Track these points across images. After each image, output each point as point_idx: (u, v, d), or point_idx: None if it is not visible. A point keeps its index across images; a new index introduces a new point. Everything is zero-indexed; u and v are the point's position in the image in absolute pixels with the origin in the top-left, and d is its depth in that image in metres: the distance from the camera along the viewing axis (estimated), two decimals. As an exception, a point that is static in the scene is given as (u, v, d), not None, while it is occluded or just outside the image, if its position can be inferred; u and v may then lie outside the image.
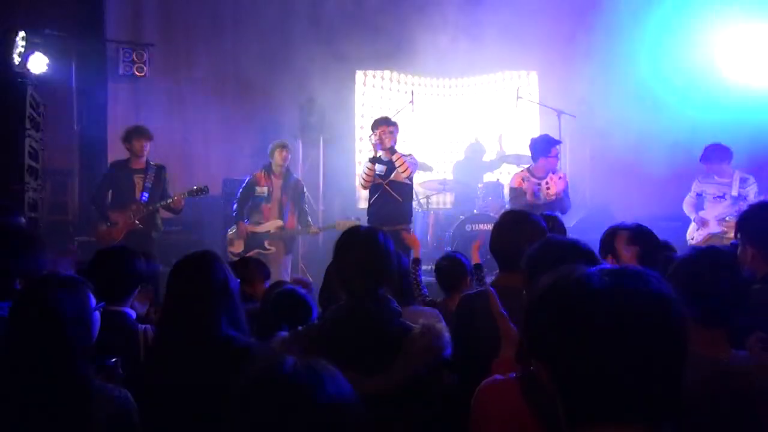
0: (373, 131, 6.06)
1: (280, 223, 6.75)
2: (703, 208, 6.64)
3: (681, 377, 1.03)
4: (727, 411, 1.68)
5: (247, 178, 6.85)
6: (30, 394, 1.82)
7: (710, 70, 7.67)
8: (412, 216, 6.28)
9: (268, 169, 6.78)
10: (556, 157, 6.09)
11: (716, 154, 6.41)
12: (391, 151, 5.97)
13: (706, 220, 6.50)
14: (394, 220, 5.90)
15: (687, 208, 6.75)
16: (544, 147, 6.02)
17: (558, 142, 6.13)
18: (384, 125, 5.98)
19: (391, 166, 6.01)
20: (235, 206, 6.85)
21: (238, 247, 6.74)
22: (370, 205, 6.14)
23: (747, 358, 1.83)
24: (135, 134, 6.36)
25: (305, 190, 7.03)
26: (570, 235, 3.78)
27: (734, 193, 6.37)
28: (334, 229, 6.58)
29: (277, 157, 6.73)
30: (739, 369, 1.75)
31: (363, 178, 6.11)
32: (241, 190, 6.85)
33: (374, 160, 6.05)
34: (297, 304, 2.84)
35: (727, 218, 6.32)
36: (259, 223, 6.75)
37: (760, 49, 7.70)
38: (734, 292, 1.85)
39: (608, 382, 1.00)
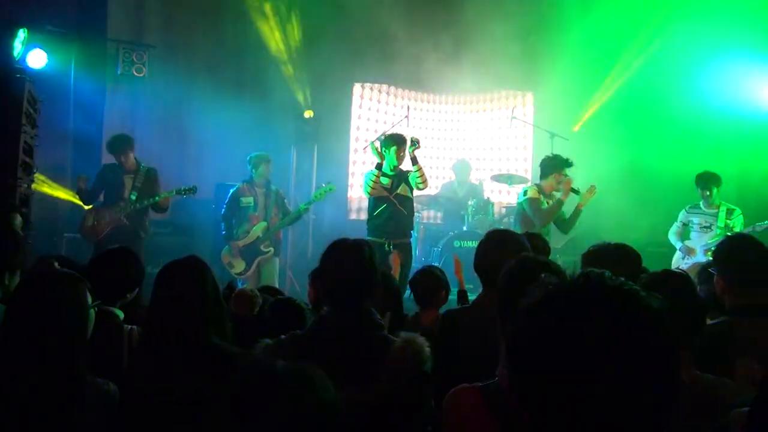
0: (392, 146, 5.98)
1: (264, 224, 6.80)
2: (689, 238, 6.73)
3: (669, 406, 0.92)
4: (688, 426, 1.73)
5: (231, 192, 6.85)
6: (25, 386, 1.85)
7: (703, 97, 7.77)
8: (412, 229, 6.34)
9: (249, 181, 6.82)
10: (565, 175, 6.03)
11: (705, 179, 6.51)
12: (414, 161, 5.98)
13: (693, 249, 6.61)
14: (400, 232, 6.02)
15: (672, 237, 6.85)
16: (559, 164, 5.96)
17: (571, 164, 6.05)
18: (404, 145, 5.98)
19: (397, 180, 6.01)
20: (223, 225, 6.85)
21: (240, 266, 6.76)
22: (374, 216, 6.04)
23: (714, 380, 1.88)
24: (115, 147, 6.52)
25: (284, 195, 7.13)
26: (558, 256, 3.84)
27: (721, 224, 6.46)
28: (316, 201, 6.93)
29: (264, 171, 6.79)
30: (705, 385, 1.80)
31: (371, 186, 5.99)
32: (225, 206, 6.84)
33: (380, 167, 5.97)
34: (290, 312, 2.87)
35: (712, 248, 6.41)
36: (248, 233, 6.77)
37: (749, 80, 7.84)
38: (692, 314, 1.91)
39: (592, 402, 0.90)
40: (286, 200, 7.07)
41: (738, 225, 6.48)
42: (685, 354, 1.89)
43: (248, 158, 6.88)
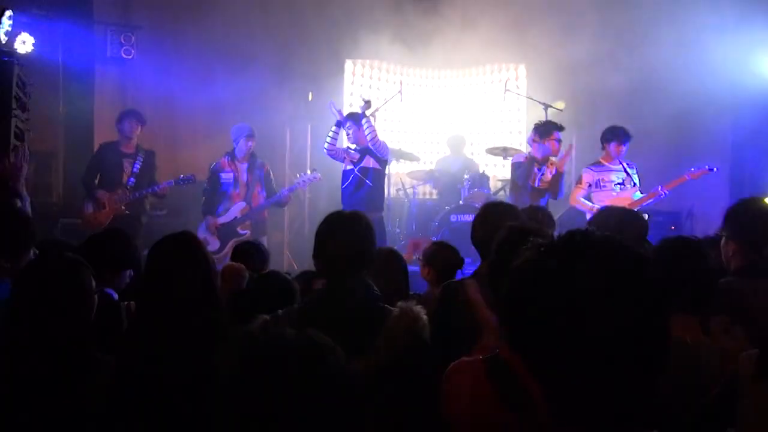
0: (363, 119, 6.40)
1: (243, 204, 6.64)
2: (591, 200, 6.11)
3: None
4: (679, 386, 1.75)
5: (211, 167, 6.72)
6: (33, 368, 1.86)
7: (697, 65, 7.70)
8: (383, 203, 6.38)
9: (231, 155, 6.66)
10: (558, 140, 6.09)
11: (625, 132, 6.04)
12: (362, 116, 6.38)
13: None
14: (368, 206, 6.01)
15: (581, 201, 6.13)
16: (546, 130, 6.07)
17: (561, 128, 6.14)
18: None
19: (362, 153, 6.33)
20: (203, 199, 6.75)
21: (215, 245, 6.57)
22: (342, 189, 6.39)
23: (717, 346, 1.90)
24: (128, 116, 6.54)
25: (270, 171, 6.89)
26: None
27: (635, 180, 6.07)
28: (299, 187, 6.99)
29: (243, 145, 6.61)
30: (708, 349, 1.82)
31: (328, 142, 6.53)
32: (207, 182, 6.72)
33: (339, 125, 6.53)
34: (280, 287, 2.87)
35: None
36: (227, 211, 6.64)
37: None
38: (707, 279, 1.92)
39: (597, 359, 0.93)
40: (272, 179, 6.85)
41: (638, 180, 6.13)
42: (694, 320, 1.90)
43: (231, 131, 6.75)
